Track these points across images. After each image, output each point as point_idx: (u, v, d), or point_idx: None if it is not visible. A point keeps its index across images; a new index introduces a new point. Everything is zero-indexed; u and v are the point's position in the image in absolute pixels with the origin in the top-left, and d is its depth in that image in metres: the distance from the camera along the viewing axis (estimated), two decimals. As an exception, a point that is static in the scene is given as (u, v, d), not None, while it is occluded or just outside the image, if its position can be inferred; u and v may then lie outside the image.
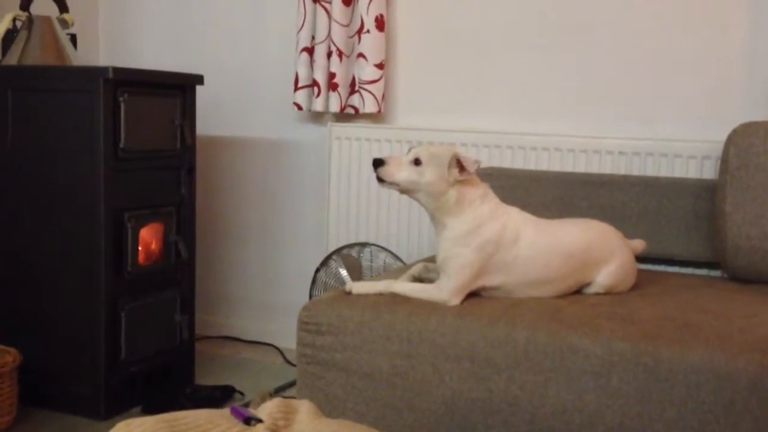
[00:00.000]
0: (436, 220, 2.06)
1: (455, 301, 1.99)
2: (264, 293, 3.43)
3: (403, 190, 2.05)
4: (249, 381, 2.89)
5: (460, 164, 1.99)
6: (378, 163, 2.02)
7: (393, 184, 2.03)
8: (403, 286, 2.07)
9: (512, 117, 2.92)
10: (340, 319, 2.00)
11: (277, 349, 3.29)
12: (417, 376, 1.92)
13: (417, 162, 2.01)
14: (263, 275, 3.43)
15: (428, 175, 2.00)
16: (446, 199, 2.01)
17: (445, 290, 2.00)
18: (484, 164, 2.46)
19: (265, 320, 3.41)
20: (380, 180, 2.03)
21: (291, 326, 3.11)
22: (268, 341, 3.36)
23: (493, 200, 2.06)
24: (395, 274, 2.28)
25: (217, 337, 3.43)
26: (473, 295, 2.04)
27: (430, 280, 2.11)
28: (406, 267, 2.36)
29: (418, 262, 2.35)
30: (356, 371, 1.98)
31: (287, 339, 3.19)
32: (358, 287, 2.10)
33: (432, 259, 2.28)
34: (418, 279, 2.16)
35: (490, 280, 2.04)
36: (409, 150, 2.07)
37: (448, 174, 1.99)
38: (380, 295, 2.06)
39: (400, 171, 2.01)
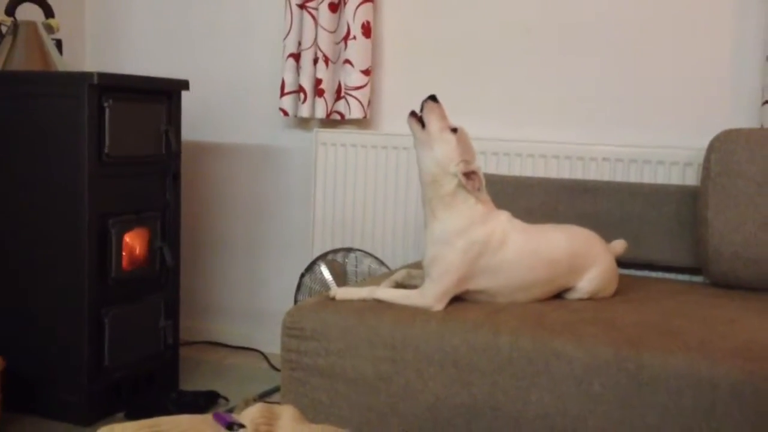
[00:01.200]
0: (428, 207, 2.05)
1: (439, 306, 2.00)
2: (249, 299, 3.43)
3: (419, 141, 2.04)
4: (233, 386, 2.88)
5: (469, 173, 2.01)
6: (432, 99, 2.04)
7: (419, 124, 2.03)
8: (386, 293, 2.07)
9: (497, 123, 2.93)
10: (324, 324, 2.00)
11: (262, 354, 3.29)
12: (401, 381, 1.93)
13: (453, 130, 2.02)
14: (248, 280, 3.43)
15: (446, 148, 2.00)
16: (444, 183, 2.01)
17: (429, 296, 2.01)
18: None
19: (250, 326, 3.41)
20: (414, 114, 2.04)
21: (276, 332, 3.09)
22: (253, 347, 3.36)
23: (487, 204, 2.07)
24: (379, 279, 2.28)
25: (202, 342, 3.42)
26: (457, 299, 2.05)
27: (413, 287, 2.11)
28: (390, 273, 2.36)
29: (401, 268, 2.35)
30: (340, 376, 1.98)
31: (272, 344, 3.19)
32: (342, 293, 2.10)
33: (416, 265, 2.28)
34: (401, 285, 2.17)
35: (475, 284, 2.05)
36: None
37: (455, 164, 2.00)
38: (364, 300, 2.07)
39: (437, 121, 2.02)
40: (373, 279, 2.48)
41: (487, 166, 2.83)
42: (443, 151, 2.01)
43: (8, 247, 2.62)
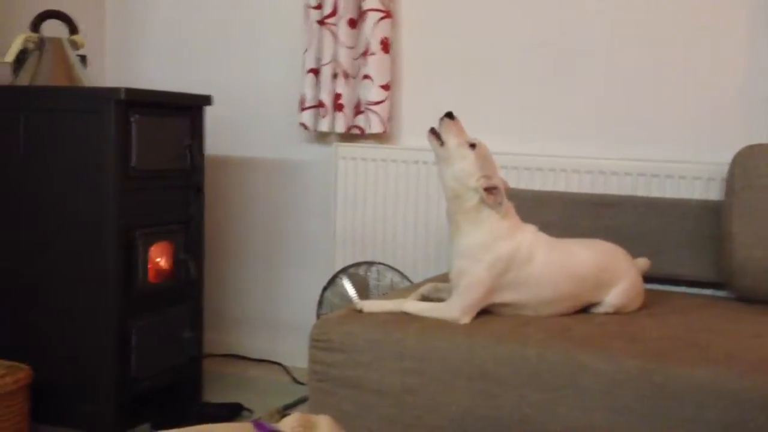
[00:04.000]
0: (453, 221, 2.08)
1: (465, 319, 2.02)
2: (271, 312, 3.45)
3: (439, 157, 2.08)
4: (256, 399, 2.90)
5: (490, 187, 2.03)
6: (449, 116, 2.07)
7: (438, 140, 2.06)
8: (413, 305, 2.09)
9: (517, 138, 2.95)
10: (351, 336, 2.02)
11: (284, 367, 3.30)
12: (427, 393, 1.94)
13: (472, 146, 2.04)
14: (270, 294, 3.45)
15: (465, 164, 2.03)
16: (467, 198, 2.04)
17: (456, 309, 2.02)
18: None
19: (271, 339, 3.42)
20: (433, 131, 2.07)
21: (298, 345, 3.15)
22: (274, 359, 3.37)
23: (512, 218, 2.10)
24: (404, 293, 2.30)
25: (225, 355, 3.44)
26: (484, 312, 2.07)
27: (439, 300, 2.13)
28: (415, 286, 2.38)
29: (426, 281, 2.37)
30: (367, 388, 1.99)
31: (294, 357, 3.23)
32: (369, 305, 2.12)
33: (441, 279, 2.30)
34: (427, 298, 2.18)
35: (501, 297, 2.07)
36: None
37: (476, 179, 2.02)
38: (391, 313, 2.08)
39: (455, 137, 2.05)
40: (398, 292, 2.50)
41: (507, 180, 2.84)
42: (462, 166, 2.03)
43: (36, 260, 2.65)
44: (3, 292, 2.68)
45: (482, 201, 2.03)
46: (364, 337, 2.01)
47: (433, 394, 1.94)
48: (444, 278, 2.22)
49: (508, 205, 2.10)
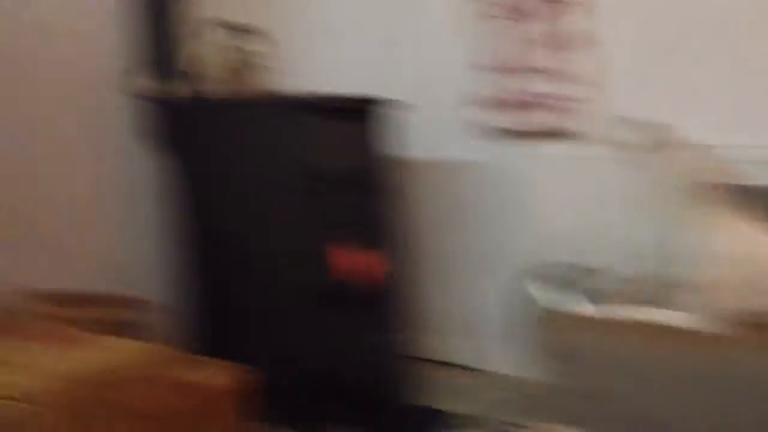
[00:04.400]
0: (674, 223, 1.99)
1: (713, 329, 1.87)
2: (470, 316, 3.37)
3: (641, 161, 2.05)
4: (456, 405, 2.83)
5: (704, 185, 1.90)
6: (646, 122, 2.07)
7: (641, 147, 2.05)
8: (650, 312, 1.99)
9: (748, 129, 2.66)
10: (584, 343, 1.94)
11: (487, 374, 3.21)
12: (671, 407, 1.80)
13: (672, 144, 2.04)
14: (468, 298, 3.37)
15: (668, 165, 1.99)
16: (682, 198, 1.96)
17: (701, 317, 1.89)
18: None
19: (472, 344, 3.35)
20: (635, 138, 2.05)
21: (501, 351, 3.10)
22: (475, 366, 3.29)
23: (749, 220, 1.94)
24: (621, 296, 2.16)
25: (424, 359, 3.36)
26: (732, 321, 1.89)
27: (666, 306, 1.98)
28: (635, 288, 2.24)
29: (656, 284, 2.22)
30: (600, 398, 1.88)
31: (496, 364, 3.18)
32: (598, 311, 2.03)
33: (663, 282, 2.14)
34: (651, 303, 2.05)
35: (747, 303, 1.89)
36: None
37: (683, 178, 1.95)
38: (625, 320, 1.96)
39: (651, 139, 2.05)
40: (614, 297, 2.35)
41: (741, 175, 2.59)
42: (667, 168, 1.98)
43: (241, 264, 2.76)
44: (208, 294, 2.80)
45: (702, 200, 1.91)
46: (598, 346, 1.91)
47: (678, 409, 1.79)
48: (661, 280, 2.07)
49: (743, 204, 1.94)
